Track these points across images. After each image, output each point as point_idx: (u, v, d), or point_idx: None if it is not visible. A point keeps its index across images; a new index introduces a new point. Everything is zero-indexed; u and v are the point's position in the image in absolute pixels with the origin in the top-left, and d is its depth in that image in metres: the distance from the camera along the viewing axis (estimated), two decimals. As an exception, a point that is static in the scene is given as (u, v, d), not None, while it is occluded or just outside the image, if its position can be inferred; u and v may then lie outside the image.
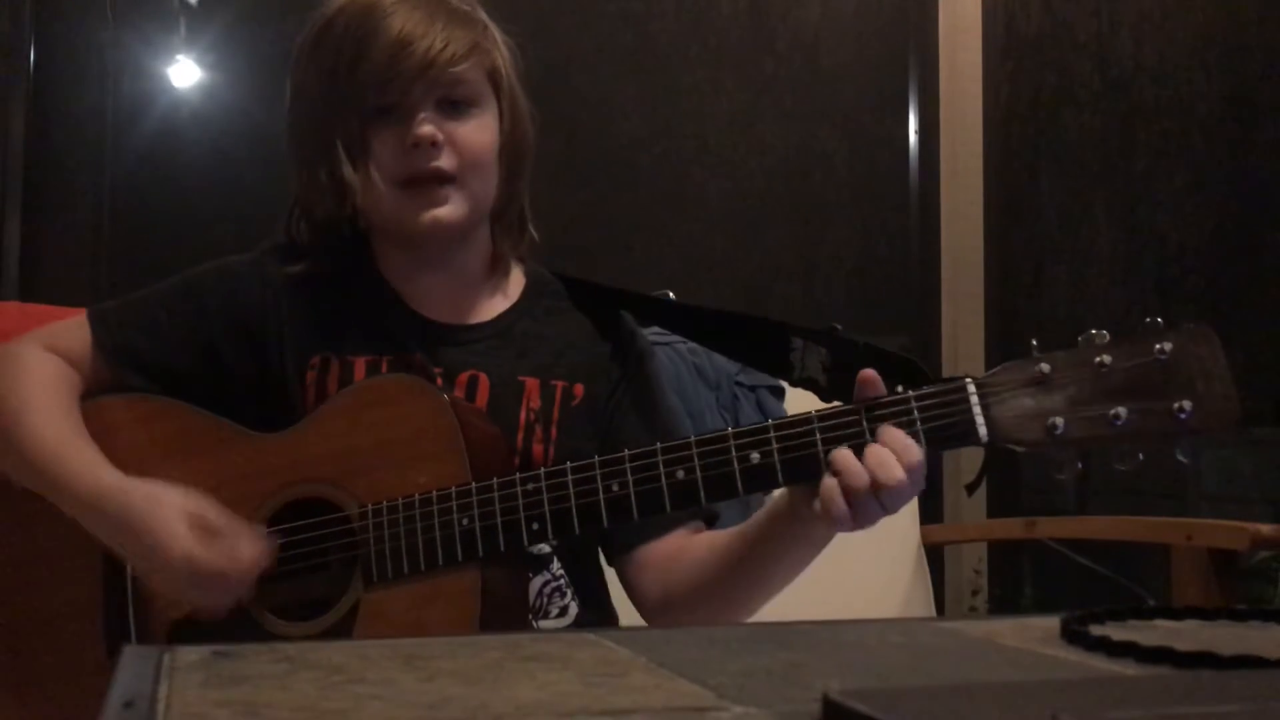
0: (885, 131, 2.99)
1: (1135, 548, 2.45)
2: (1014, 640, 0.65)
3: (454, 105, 1.27)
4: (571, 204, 2.73)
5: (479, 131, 1.28)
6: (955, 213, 2.94)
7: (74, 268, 2.62)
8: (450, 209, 1.27)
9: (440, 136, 1.25)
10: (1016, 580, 2.85)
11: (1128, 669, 0.57)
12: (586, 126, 2.78)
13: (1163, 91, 3.02)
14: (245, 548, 1.17)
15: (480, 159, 1.28)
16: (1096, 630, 0.63)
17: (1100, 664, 0.59)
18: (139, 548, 1.18)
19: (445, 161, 1.25)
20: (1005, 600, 2.83)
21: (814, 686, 0.49)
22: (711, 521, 1.33)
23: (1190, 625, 0.71)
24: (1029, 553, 2.80)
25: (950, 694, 0.49)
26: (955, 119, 2.94)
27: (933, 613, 2.26)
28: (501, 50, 1.31)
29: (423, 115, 1.24)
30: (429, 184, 1.26)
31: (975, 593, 2.79)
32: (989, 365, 3.17)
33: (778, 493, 1.18)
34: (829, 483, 1.08)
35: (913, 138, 2.98)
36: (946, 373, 3.13)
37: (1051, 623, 0.67)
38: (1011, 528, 2.34)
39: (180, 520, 1.16)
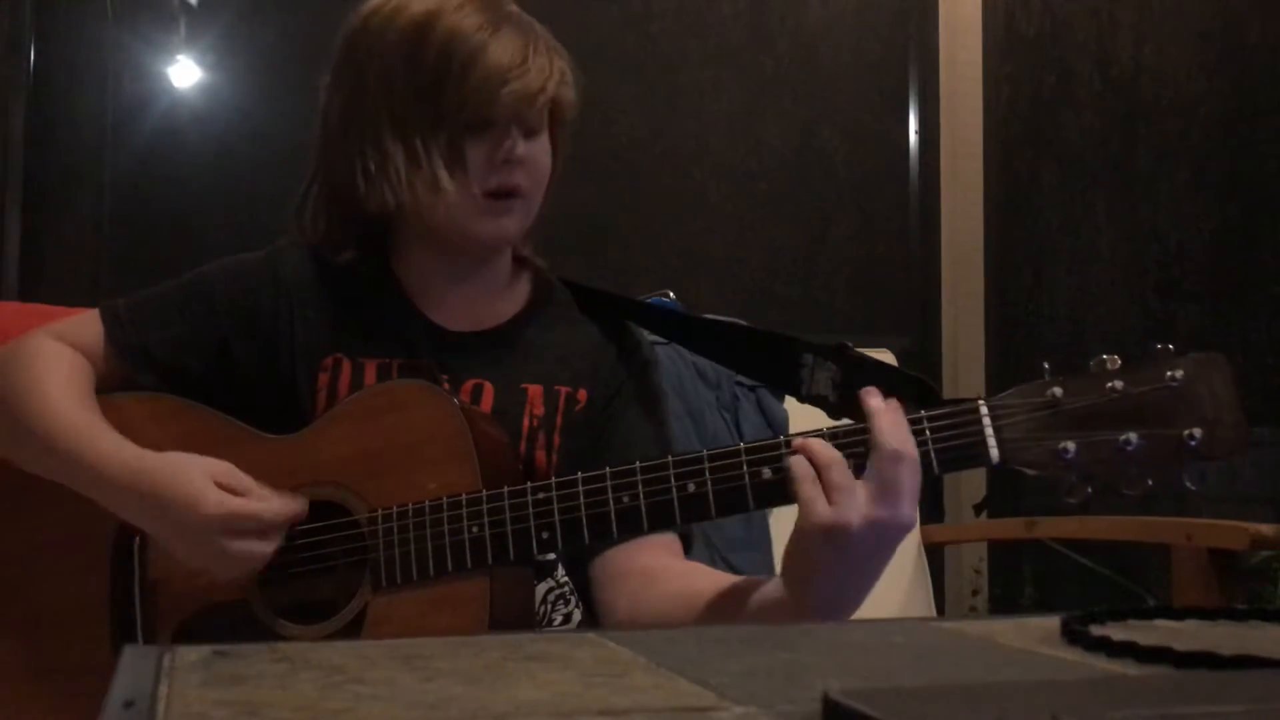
0: (885, 131, 2.99)
1: (1135, 548, 2.45)
2: (1014, 640, 0.65)
3: (529, 126, 1.30)
4: (571, 204, 2.72)
5: (544, 154, 1.32)
6: (955, 213, 2.94)
7: (74, 268, 2.62)
8: (513, 222, 1.31)
9: (526, 157, 1.29)
10: (1016, 580, 2.85)
11: (1128, 669, 0.57)
12: (586, 126, 2.78)
13: (1163, 91, 3.02)
14: (275, 498, 1.19)
15: (544, 179, 1.33)
16: (1096, 630, 0.63)
17: (1100, 664, 0.59)
18: (170, 514, 1.19)
19: (521, 179, 1.29)
20: (1005, 600, 2.82)
21: (814, 686, 0.49)
22: (687, 542, 1.32)
23: (1190, 625, 0.70)
24: (1029, 553, 2.80)
25: (950, 694, 0.49)
26: (955, 119, 2.94)
27: (933, 613, 2.26)
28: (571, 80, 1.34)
29: (515, 133, 1.28)
30: (506, 198, 1.29)
31: (975, 593, 2.79)
32: (989, 367, 3.17)
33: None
34: (804, 486, 1.06)
35: (913, 138, 2.98)
36: (947, 374, 3.13)
37: (1051, 623, 0.67)
38: (1011, 528, 2.34)
39: (208, 480, 1.18)
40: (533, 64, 1.27)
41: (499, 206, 1.29)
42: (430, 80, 1.26)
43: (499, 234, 1.31)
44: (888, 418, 1.07)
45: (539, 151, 1.31)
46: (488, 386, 1.31)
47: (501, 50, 1.26)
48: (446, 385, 1.29)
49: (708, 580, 1.21)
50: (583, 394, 1.33)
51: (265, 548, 1.19)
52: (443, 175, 1.26)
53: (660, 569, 1.25)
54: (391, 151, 1.27)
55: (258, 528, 1.18)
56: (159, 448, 1.24)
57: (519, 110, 1.27)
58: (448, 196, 1.26)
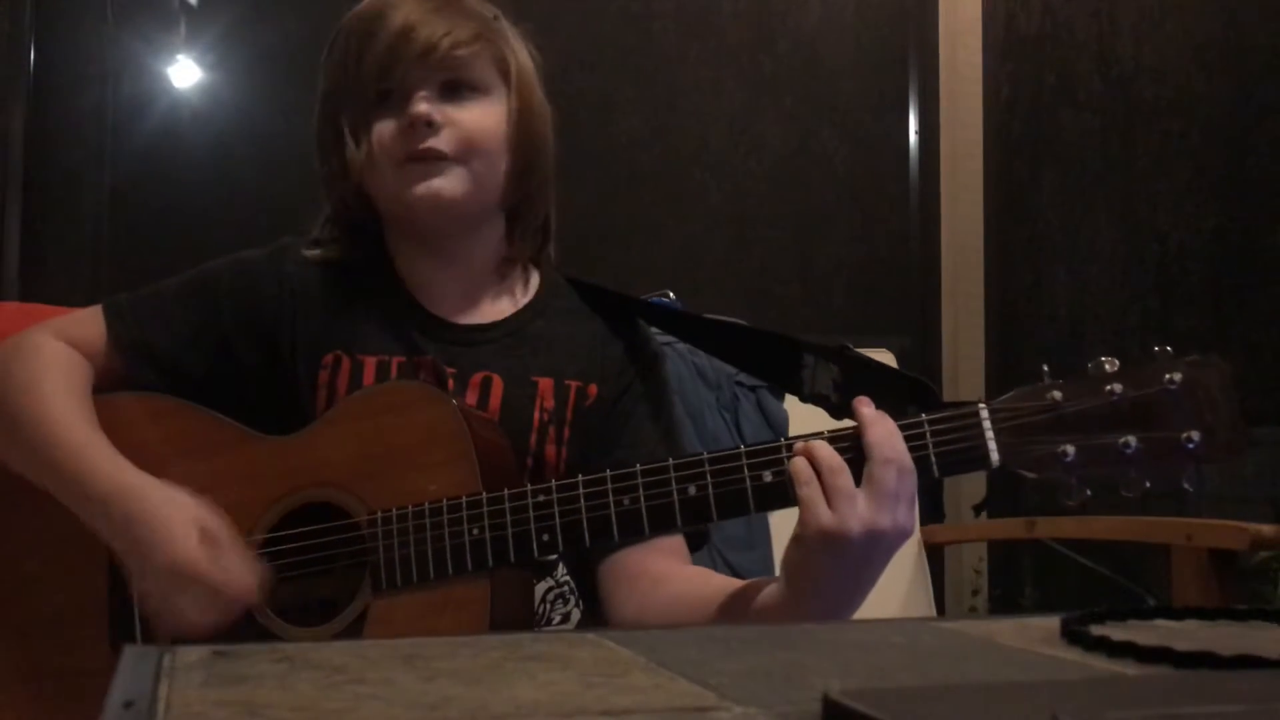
0: (885, 131, 2.99)
1: (1135, 548, 2.45)
2: (1014, 640, 0.65)
3: (456, 90, 1.29)
4: (571, 204, 2.72)
5: (481, 116, 1.29)
6: (955, 213, 2.94)
7: (74, 268, 2.62)
8: (446, 182, 1.28)
9: (436, 117, 1.26)
10: (1016, 580, 2.85)
11: (1128, 669, 0.57)
12: (586, 126, 2.78)
13: (1163, 91, 3.02)
14: (246, 573, 1.17)
15: (481, 142, 1.29)
16: (1096, 630, 0.63)
17: (1100, 664, 0.59)
18: (142, 544, 1.17)
19: (443, 142, 1.27)
20: (1005, 600, 2.83)
21: (814, 686, 0.49)
22: (699, 542, 1.32)
23: (1190, 625, 0.70)
24: (1029, 553, 2.80)
25: (950, 694, 0.49)
26: (955, 119, 2.94)
27: (933, 613, 2.26)
28: (512, 44, 1.33)
29: (421, 95, 1.27)
30: (426, 161, 1.27)
31: (975, 593, 2.79)
32: (989, 367, 3.17)
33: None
34: (805, 491, 1.07)
35: (913, 138, 2.98)
36: (947, 374, 3.13)
37: (1051, 623, 0.67)
38: (1011, 528, 2.34)
39: (191, 526, 1.16)
40: (437, 24, 1.27)
41: (421, 169, 1.27)
42: (343, 62, 1.29)
43: (431, 195, 1.27)
44: (880, 427, 1.07)
45: (470, 114, 1.29)
46: (496, 379, 1.31)
47: (400, 15, 1.27)
48: (452, 381, 1.29)
49: (714, 584, 1.22)
50: (593, 389, 1.33)
51: (213, 618, 1.16)
52: (350, 149, 1.28)
53: (667, 573, 1.25)
54: (333, 147, 1.30)
55: (213, 598, 1.16)
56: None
57: (419, 69, 1.27)
58: (370, 172, 1.28)
